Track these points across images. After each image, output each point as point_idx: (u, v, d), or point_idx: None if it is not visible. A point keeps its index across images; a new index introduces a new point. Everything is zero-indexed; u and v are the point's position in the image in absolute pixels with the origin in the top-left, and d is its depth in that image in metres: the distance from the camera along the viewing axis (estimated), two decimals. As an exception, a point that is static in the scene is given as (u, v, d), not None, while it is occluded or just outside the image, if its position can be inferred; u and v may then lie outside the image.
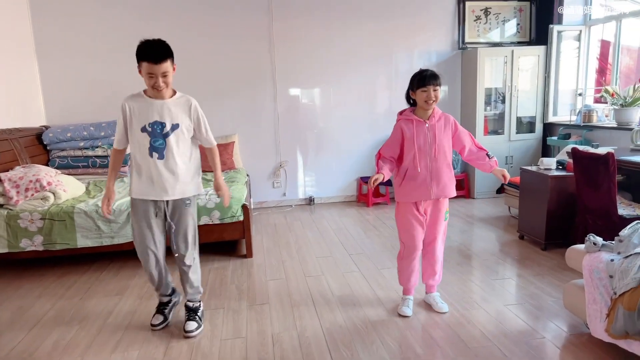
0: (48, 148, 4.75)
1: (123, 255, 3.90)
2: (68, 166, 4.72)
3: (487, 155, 2.75)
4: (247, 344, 2.52)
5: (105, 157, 4.78)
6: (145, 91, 2.52)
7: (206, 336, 2.62)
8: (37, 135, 4.68)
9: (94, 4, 5.00)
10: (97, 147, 4.79)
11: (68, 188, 3.87)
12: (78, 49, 5.03)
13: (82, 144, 4.75)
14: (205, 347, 2.52)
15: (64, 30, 4.99)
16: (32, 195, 3.62)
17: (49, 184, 3.70)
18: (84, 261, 3.87)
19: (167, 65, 2.37)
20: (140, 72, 2.43)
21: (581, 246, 2.46)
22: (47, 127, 4.86)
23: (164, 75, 2.38)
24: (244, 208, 3.80)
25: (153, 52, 2.33)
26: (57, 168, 4.57)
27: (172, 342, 2.59)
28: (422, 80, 2.57)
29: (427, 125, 2.65)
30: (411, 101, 2.74)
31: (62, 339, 2.66)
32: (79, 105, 5.11)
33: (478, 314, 2.78)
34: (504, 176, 2.71)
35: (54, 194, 3.70)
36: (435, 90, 2.58)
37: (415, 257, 2.81)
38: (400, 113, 2.75)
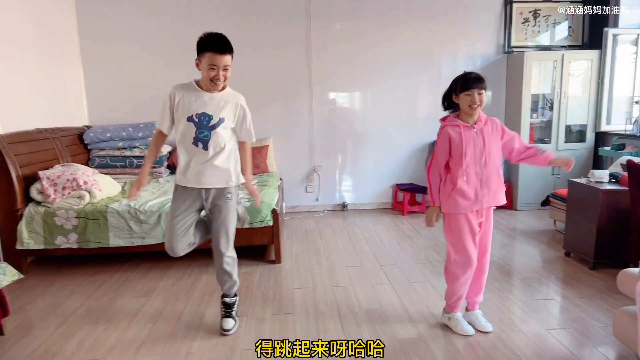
0: (88, 147, 4.87)
1: (153, 256, 3.91)
2: (107, 166, 4.82)
3: (539, 150, 2.56)
4: (268, 356, 2.44)
5: (142, 157, 4.85)
6: (197, 82, 2.54)
7: (227, 345, 2.56)
8: (79, 135, 4.81)
9: (138, 10, 5.10)
10: (134, 147, 4.87)
11: (104, 187, 3.93)
12: (121, 53, 5.15)
13: (120, 144, 4.84)
14: (226, 356, 2.45)
15: (108, 35, 5.11)
16: (69, 193, 3.69)
17: (85, 183, 3.77)
18: (116, 260, 3.92)
19: (229, 58, 2.40)
20: (197, 65, 2.45)
21: (635, 270, 2.22)
22: (88, 127, 4.99)
23: (225, 69, 2.42)
24: (274, 213, 3.73)
25: (219, 43, 2.37)
26: (96, 167, 4.68)
27: (192, 347, 2.55)
28: (466, 83, 2.43)
29: (475, 130, 2.48)
30: (445, 104, 2.59)
31: (87, 338, 2.68)
32: (119, 107, 5.23)
33: (516, 337, 2.57)
34: (567, 164, 2.46)
35: (89, 192, 3.76)
36: (480, 94, 2.43)
37: (471, 274, 2.61)
38: (443, 119, 2.58)
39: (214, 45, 2.35)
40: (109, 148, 4.86)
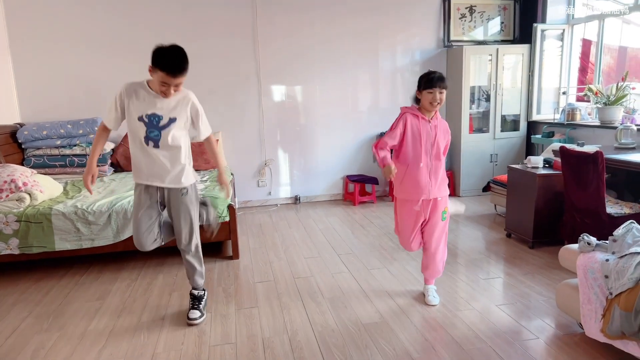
0: (23, 147, 4.56)
1: (103, 258, 3.76)
2: (44, 165, 4.54)
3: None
4: (237, 350, 2.44)
5: (84, 156, 4.62)
6: (148, 82, 2.52)
7: (194, 343, 2.53)
8: (12, 134, 4.49)
9: (70, -3, 4.82)
10: (75, 145, 4.62)
11: (45, 189, 3.71)
12: (54, 44, 4.84)
13: (59, 142, 4.57)
14: (194, 354, 2.42)
15: (39, 24, 4.78)
16: (7, 196, 3.45)
17: (24, 184, 3.54)
18: (62, 265, 3.72)
19: (183, 78, 2.40)
20: (150, 71, 2.41)
21: (574, 246, 2.45)
22: (21, 125, 4.67)
23: (176, 86, 2.42)
24: (230, 208, 3.70)
25: (175, 65, 2.32)
26: (32, 167, 4.40)
27: (158, 348, 2.49)
28: (430, 81, 2.62)
29: (430, 124, 2.69)
30: (416, 101, 2.77)
31: (41, 347, 2.54)
32: (55, 103, 4.92)
33: (470, 315, 2.75)
34: None
35: (30, 194, 3.54)
36: (441, 93, 2.63)
37: (416, 248, 2.93)
38: (405, 108, 2.77)
39: (168, 67, 2.31)
40: (45, 147, 4.57)
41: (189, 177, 2.67)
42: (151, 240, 2.69)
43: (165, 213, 2.77)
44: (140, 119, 2.47)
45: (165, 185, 2.61)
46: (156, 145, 2.52)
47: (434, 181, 2.72)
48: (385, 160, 2.66)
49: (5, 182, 3.46)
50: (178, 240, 2.75)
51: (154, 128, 2.49)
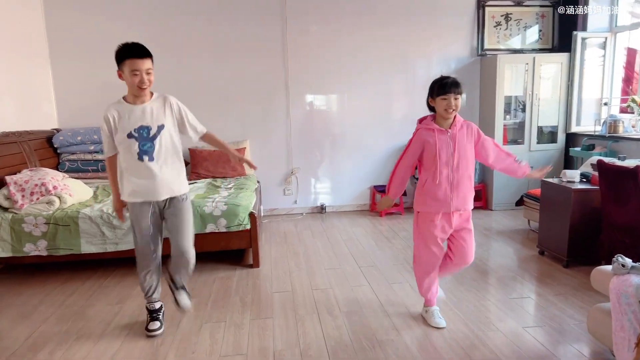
0: (58, 151, 4.72)
1: (127, 262, 3.79)
2: (78, 170, 4.69)
3: (516, 160, 2.64)
4: (247, 362, 2.40)
5: (115, 161, 4.73)
6: (125, 98, 2.57)
7: (205, 352, 2.50)
8: (48, 138, 4.66)
9: (108, 9, 4.97)
10: (107, 151, 4.74)
11: (74, 192, 3.81)
12: (92, 53, 5.00)
13: (92, 147, 4.71)
14: (204, 363, 2.40)
15: (78, 33, 4.97)
16: (38, 199, 3.56)
17: (54, 188, 3.64)
18: (88, 267, 3.80)
19: (149, 62, 2.45)
20: (120, 76, 2.50)
21: (608, 267, 2.27)
22: (58, 130, 4.84)
23: (148, 73, 2.45)
24: (251, 216, 3.68)
25: (136, 49, 2.42)
26: (66, 172, 4.54)
27: (169, 356, 2.48)
28: (443, 87, 2.46)
29: (448, 134, 2.53)
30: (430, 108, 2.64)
31: (58, 348, 2.58)
32: (91, 109, 5.06)
33: (494, 336, 2.60)
34: (542, 173, 2.67)
35: (59, 198, 3.64)
36: (456, 99, 2.47)
37: (433, 271, 2.70)
38: (420, 121, 2.64)
39: (132, 51, 2.40)
40: (79, 152, 4.72)
41: (185, 184, 2.67)
42: (151, 254, 2.67)
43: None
44: (130, 135, 2.47)
45: (165, 197, 2.58)
46: (151, 158, 2.50)
47: (455, 194, 2.53)
48: (391, 193, 2.69)
49: (36, 185, 3.57)
50: (181, 245, 2.65)
51: (146, 140, 2.48)
